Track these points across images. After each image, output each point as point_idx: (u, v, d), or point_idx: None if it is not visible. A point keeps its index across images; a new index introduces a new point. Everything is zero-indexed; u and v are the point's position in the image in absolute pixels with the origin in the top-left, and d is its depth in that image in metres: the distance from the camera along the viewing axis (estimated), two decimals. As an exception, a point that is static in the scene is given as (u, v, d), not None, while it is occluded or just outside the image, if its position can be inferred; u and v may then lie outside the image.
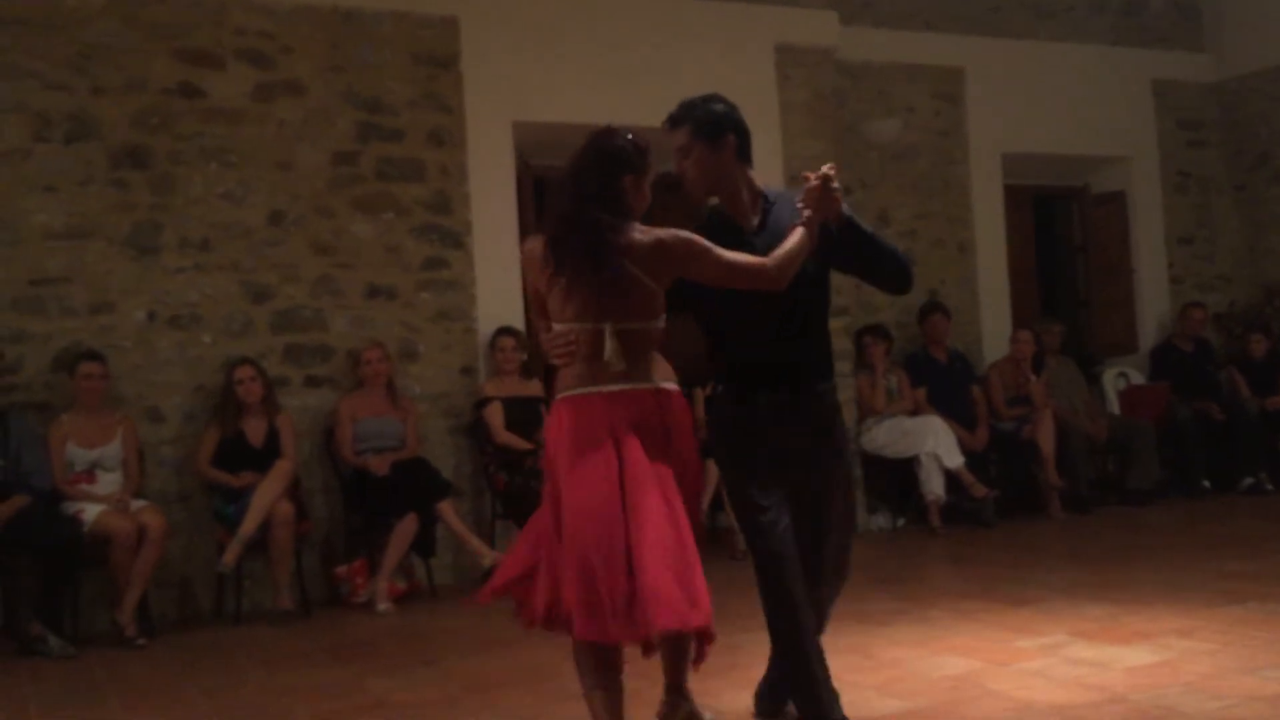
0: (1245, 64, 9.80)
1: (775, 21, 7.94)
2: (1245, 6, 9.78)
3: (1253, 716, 3.48)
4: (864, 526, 8.05)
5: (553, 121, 7.31)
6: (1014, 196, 9.30)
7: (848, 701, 3.80)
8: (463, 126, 7.08)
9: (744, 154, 3.60)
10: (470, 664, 4.81)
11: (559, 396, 3.28)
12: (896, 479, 8.07)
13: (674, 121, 3.60)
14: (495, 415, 6.74)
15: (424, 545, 6.40)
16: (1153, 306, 9.68)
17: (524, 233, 7.35)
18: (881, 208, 8.68)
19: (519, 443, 6.69)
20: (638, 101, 7.24)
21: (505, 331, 6.92)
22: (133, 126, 6.37)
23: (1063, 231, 10.15)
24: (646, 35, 7.55)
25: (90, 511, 5.68)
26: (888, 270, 3.52)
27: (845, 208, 3.41)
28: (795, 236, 3.32)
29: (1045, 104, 9.15)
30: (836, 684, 3.97)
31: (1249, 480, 8.65)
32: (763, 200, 3.55)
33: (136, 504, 5.84)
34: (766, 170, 7.90)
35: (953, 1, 9.00)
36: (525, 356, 6.99)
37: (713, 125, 3.57)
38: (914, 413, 8.10)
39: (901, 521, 8.13)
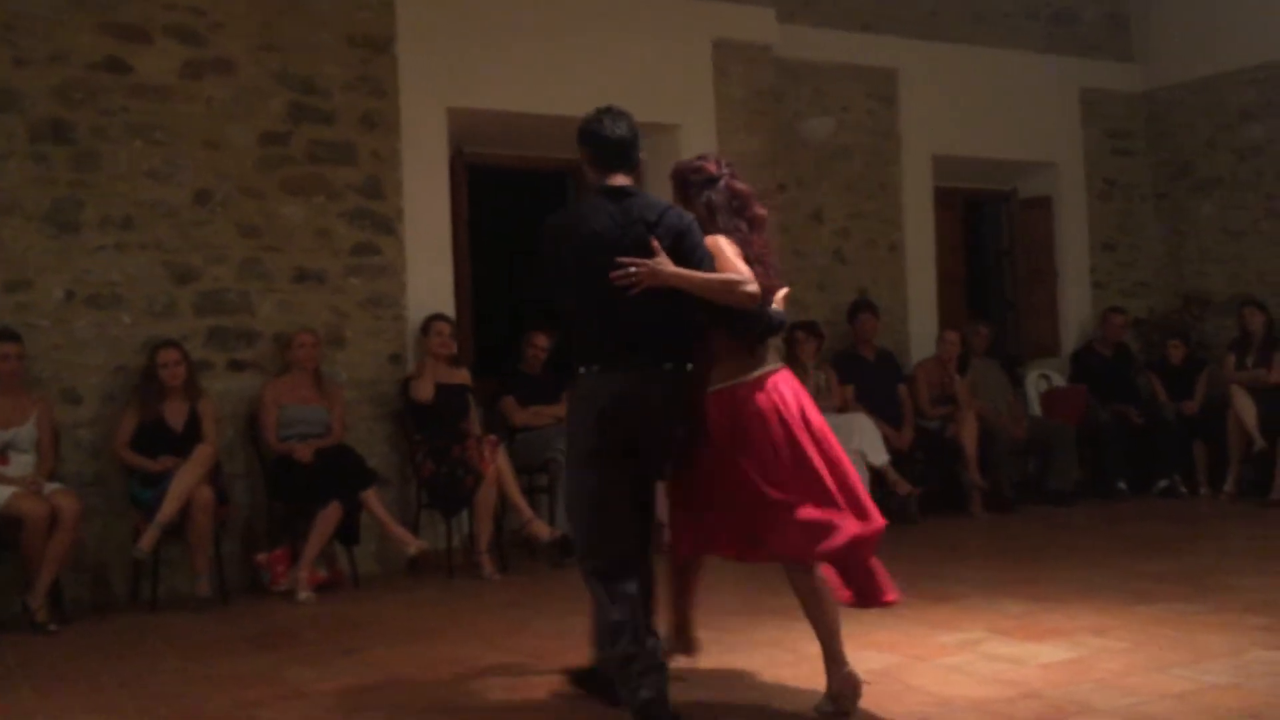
0: (1172, 75, 10.00)
1: (713, 17, 7.95)
2: (1173, 19, 9.97)
3: (1162, 713, 3.56)
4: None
5: (488, 109, 7.26)
6: (944, 199, 9.42)
7: (768, 694, 3.83)
8: (396, 111, 6.99)
9: (596, 163, 3.88)
10: (392, 653, 4.76)
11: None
12: (823, 475, 8.11)
13: None
14: (423, 389, 6.67)
15: (347, 533, 6.33)
16: (1075, 310, 9.85)
17: (456, 220, 7.31)
18: (816, 206, 8.74)
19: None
20: (575, 92, 7.22)
21: (440, 317, 6.85)
22: (55, 100, 6.21)
23: (991, 234, 10.30)
24: (585, 25, 7.52)
25: (1, 494, 5.53)
26: None
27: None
28: None
29: (976, 108, 9.27)
30: (760, 678, 4.02)
31: (1164, 483, 8.84)
32: None
33: (50, 487, 5.70)
34: (702, 165, 7.94)
35: (891, 3, 9.08)
36: (455, 346, 6.94)
37: (579, 137, 3.92)
38: (841, 410, 8.17)
39: (826, 517, 8.18)
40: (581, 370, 3.73)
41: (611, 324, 3.68)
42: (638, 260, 3.59)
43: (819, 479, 3.65)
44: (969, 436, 8.24)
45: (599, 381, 3.68)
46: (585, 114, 3.90)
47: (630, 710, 3.55)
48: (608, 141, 3.83)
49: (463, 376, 6.90)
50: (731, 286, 3.63)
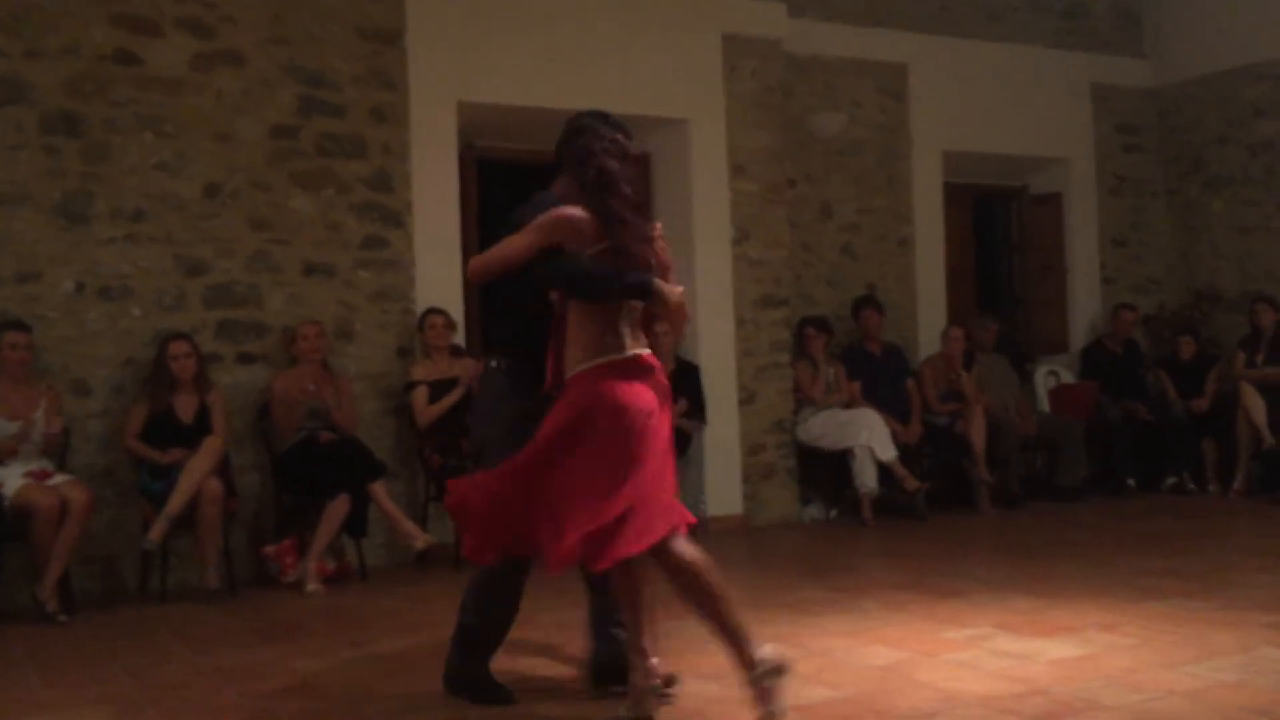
0: (1183, 71, 9.97)
1: (723, 11, 7.94)
2: (1185, 14, 9.94)
3: (1171, 710, 3.55)
4: (797, 517, 8.12)
5: (498, 103, 7.26)
6: (954, 194, 9.40)
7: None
8: (406, 104, 6.99)
9: None
10: (398, 646, 4.77)
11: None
12: (831, 471, 8.13)
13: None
14: (420, 399, 6.68)
15: (355, 526, 6.34)
16: (1085, 306, 9.84)
17: (465, 214, 7.31)
18: (825, 201, 8.73)
19: (439, 410, 6.66)
20: (585, 86, 7.23)
21: (434, 310, 6.86)
22: (66, 92, 6.22)
23: (1001, 230, 10.28)
24: (595, 20, 7.50)
25: (10, 484, 5.55)
26: None
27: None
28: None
29: (987, 103, 9.25)
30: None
31: (1172, 480, 8.83)
32: None
33: (60, 478, 5.72)
34: (711, 160, 7.95)
35: (900, -2, 9.07)
36: (454, 336, 6.94)
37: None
38: (849, 405, 8.17)
39: (834, 513, 8.20)
40: None
41: None
42: None
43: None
44: (977, 432, 8.23)
45: None
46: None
47: None
48: None
49: (465, 367, 6.87)
50: None
